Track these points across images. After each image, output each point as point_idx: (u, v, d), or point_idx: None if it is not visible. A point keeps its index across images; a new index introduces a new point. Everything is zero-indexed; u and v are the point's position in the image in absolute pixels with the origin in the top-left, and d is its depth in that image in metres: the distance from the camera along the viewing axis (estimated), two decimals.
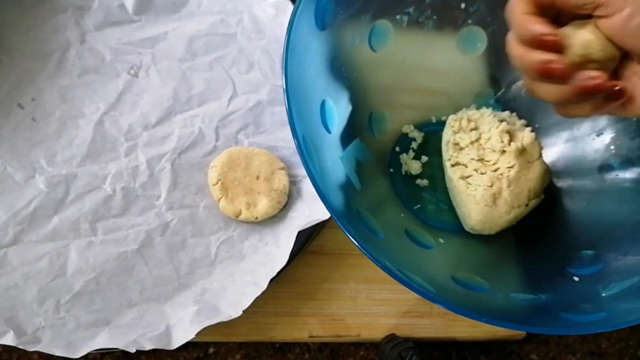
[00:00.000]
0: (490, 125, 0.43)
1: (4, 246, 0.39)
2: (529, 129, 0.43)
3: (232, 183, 0.43)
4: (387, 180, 0.45)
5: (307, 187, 0.45)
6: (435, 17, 0.43)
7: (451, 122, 0.44)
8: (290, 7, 0.48)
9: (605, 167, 0.42)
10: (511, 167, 0.41)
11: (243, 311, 0.39)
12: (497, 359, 0.47)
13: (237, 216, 0.43)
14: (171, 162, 0.43)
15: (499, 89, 0.47)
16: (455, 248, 0.43)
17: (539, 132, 0.44)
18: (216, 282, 0.42)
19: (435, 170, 0.46)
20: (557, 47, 0.27)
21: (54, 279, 0.39)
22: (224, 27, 0.48)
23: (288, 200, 0.44)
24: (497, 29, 0.44)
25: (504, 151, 0.42)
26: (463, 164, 0.42)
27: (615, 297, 0.33)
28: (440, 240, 0.42)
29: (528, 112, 0.45)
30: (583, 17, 0.28)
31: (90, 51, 0.45)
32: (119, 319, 0.39)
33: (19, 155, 0.42)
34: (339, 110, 0.39)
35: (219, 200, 0.43)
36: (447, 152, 0.43)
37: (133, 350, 0.38)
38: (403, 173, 0.46)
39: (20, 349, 0.37)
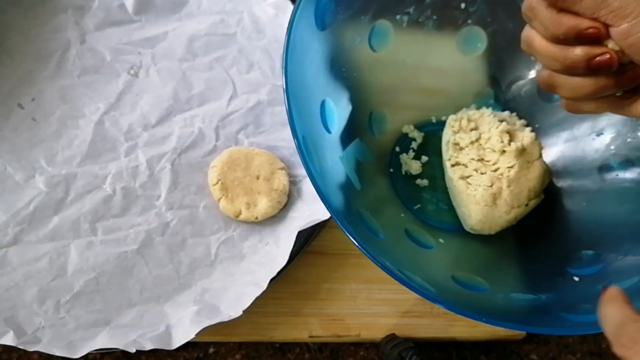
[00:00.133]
0: (490, 125, 0.43)
1: (4, 246, 0.39)
2: (529, 129, 0.43)
3: (232, 183, 0.43)
4: (387, 180, 0.45)
5: (307, 187, 0.45)
6: (435, 17, 0.43)
7: (451, 122, 0.44)
8: (290, 7, 0.48)
9: (605, 167, 0.42)
10: (511, 167, 0.41)
11: (243, 311, 0.39)
12: (497, 359, 0.47)
13: (237, 216, 0.43)
14: (171, 162, 0.43)
15: (499, 89, 0.47)
16: (455, 248, 0.43)
17: (539, 132, 0.44)
18: (216, 282, 0.42)
19: (435, 170, 0.46)
20: (601, 38, 0.25)
21: (54, 279, 0.39)
22: (224, 27, 0.48)
23: (288, 200, 0.44)
24: (497, 29, 0.44)
25: (504, 151, 0.42)
26: (463, 164, 0.42)
27: None
28: (440, 240, 0.42)
29: (528, 112, 0.45)
30: None
31: (90, 51, 0.45)
32: (119, 319, 0.39)
33: (19, 155, 0.42)
34: (339, 110, 0.39)
35: (219, 200, 0.43)
36: (447, 152, 0.43)
37: (133, 350, 0.38)
38: (403, 173, 0.46)
39: (20, 349, 0.37)
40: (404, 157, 0.46)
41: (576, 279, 0.37)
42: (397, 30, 0.42)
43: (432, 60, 0.45)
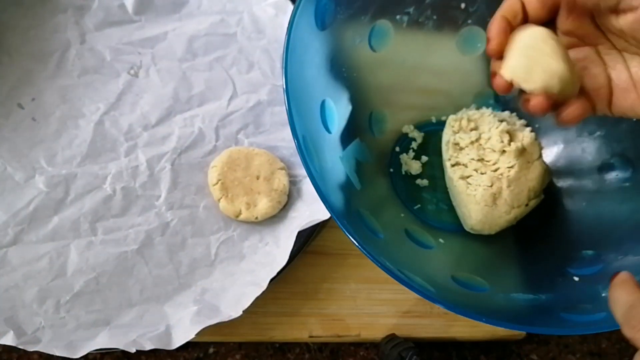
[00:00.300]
0: (490, 125, 0.43)
1: (4, 246, 0.39)
2: (529, 129, 0.43)
3: (232, 183, 0.43)
4: (387, 180, 0.45)
5: (307, 187, 0.45)
6: (435, 17, 0.43)
7: (451, 122, 0.44)
8: (290, 7, 0.48)
9: (605, 167, 0.42)
10: (511, 167, 0.41)
11: (243, 311, 0.39)
12: (497, 359, 0.47)
13: (237, 216, 0.43)
14: (171, 162, 0.43)
15: None
16: (455, 248, 0.43)
17: (539, 132, 0.44)
18: (216, 282, 0.42)
19: (435, 170, 0.46)
20: (496, 55, 0.29)
21: (54, 279, 0.39)
22: (224, 27, 0.48)
23: (288, 200, 0.44)
24: None
25: (504, 151, 0.42)
26: (463, 164, 0.42)
27: None
28: (440, 240, 0.42)
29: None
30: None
31: (90, 51, 0.45)
32: (119, 319, 0.39)
33: (19, 155, 0.42)
34: (339, 110, 0.39)
35: (219, 200, 0.43)
36: (447, 152, 0.43)
37: (133, 350, 0.38)
38: (403, 173, 0.46)
39: (20, 349, 0.37)
40: (404, 157, 0.46)
41: (576, 279, 0.37)
42: (397, 30, 0.43)
43: (432, 60, 0.45)
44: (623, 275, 0.26)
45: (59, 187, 0.41)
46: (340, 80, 0.40)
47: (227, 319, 0.39)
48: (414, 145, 0.46)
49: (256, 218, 0.43)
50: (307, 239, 0.42)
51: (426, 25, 0.43)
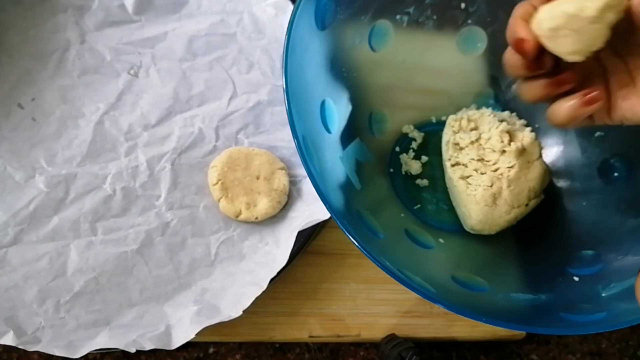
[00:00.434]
0: (490, 125, 0.43)
1: (4, 246, 0.39)
2: (529, 129, 0.43)
3: (232, 183, 0.43)
4: (387, 180, 0.45)
5: (307, 187, 0.45)
6: (435, 17, 0.43)
7: (451, 122, 0.44)
8: (290, 7, 0.48)
9: (605, 167, 0.42)
10: (511, 167, 0.41)
11: (243, 311, 0.39)
12: (497, 359, 0.47)
13: (237, 216, 0.43)
14: (171, 162, 0.43)
15: (499, 89, 0.47)
16: (455, 248, 0.43)
17: (539, 132, 0.44)
18: (216, 282, 0.42)
19: (435, 170, 0.46)
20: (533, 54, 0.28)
21: (54, 279, 0.39)
22: (224, 27, 0.48)
23: (288, 200, 0.44)
24: (497, 29, 0.44)
25: (504, 151, 0.42)
26: (463, 164, 0.42)
27: (615, 297, 0.33)
28: (440, 240, 0.42)
29: (528, 112, 0.45)
30: None
31: (90, 51, 0.45)
32: (119, 319, 0.39)
33: (19, 155, 0.42)
34: (339, 110, 0.39)
35: (219, 200, 0.43)
36: (447, 152, 0.43)
37: (133, 350, 0.38)
38: (403, 173, 0.46)
39: (20, 349, 0.37)
40: (404, 157, 0.46)
41: (576, 279, 0.37)
42: (397, 30, 0.42)
43: (432, 60, 0.45)
44: None
45: (59, 187, 0.41)
46: (340, 80, 0.40)
47: (227, 319, 0.39)
48: (414, 145, 0.46)
49: (256, 218, 0.43)
50: (307, 239, 0.42)
51: (426, 25, 0.43)
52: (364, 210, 0.37)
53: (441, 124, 0.46)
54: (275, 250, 0.43)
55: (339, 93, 0.40)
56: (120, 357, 0.43)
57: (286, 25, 0.33)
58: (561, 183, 0.44)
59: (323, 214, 0.41)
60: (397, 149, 0.46)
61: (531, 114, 0.45)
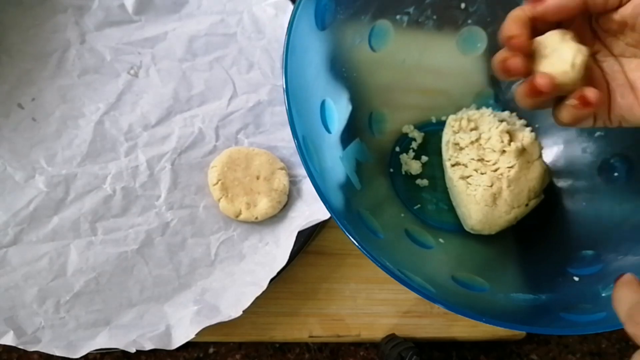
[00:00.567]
0: (490, 125, 0.43)
1: (4, 246, 0.39)
2: (529, 129, 0.43)
3: (232, 183, 0.43)
4: (387, 180, 0.45)
5: (307, 187, 0.45)
6: (435, 17, 0.43)
7: (451, 122, 0.44)
8: (290, 7, 0.48)
9: (605, 167, 0.42)
10: (511, 167, 0.41)
11: (243, 311, 0.39)
12: (497, 359, 0.47)
13: (237, 216, 0.43)
14: (171, 162, 0.43)
15: (499, 89, 0.47)
16: (455, 248, 0.43)
17: (539, 132, 0.44)
18: (216, 282, 0.42)
19: (435, 170, 0.46)
20: (523, 50, 0.29)
21: (54, 279, 0.39)
22: (224, 27, 0.48)
23: (288, 200, 0.44)
24: (497, 29, 0.43)
25: (504, 151, 0.42)
26: (463, 164, 0.42)
27: None
28: (440, 240, 0.42)
29: (528, 112, 0.45)
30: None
31: (90, 51, 0.45)
32: (119, 319, 0.39)
33: (19, 155, 0.42)
34: (339, 110, 0.39)
35: (219, 200, 0.43)
36: (447, 152, 0.43)
37: (133, 350, 0.38)
38: (403, 173, 0.46)
39: (20, 349, 0.37)
40: (404, 157, 0.46)
41: (576, 279, 0.37)
42: (397, 30, 0.42)
43: (432, 60, 0.45)
44: (627, 276, 0.27)
45: (59, 187, 0.41)
46: (340, 80, 0.40)
47: (227, 319, 0.39)
48: (414, 145, 0.46)
49: (256, 218, 0.43)
50: (307, 239, 0.42)
51: (426, 25, 0.43)
52: (364, 210, 0.37)
53: (441, 124, 0.46)
54: (275, 250, 0.43)
55: (339, 93, 0.40)
56: (120, 357, 0.43)
57: (286, 25, 0.33)
58: (561, 183, 0.44)
59: (323, 214, 0.41)
60: (397, 149, 0.46)
61: (531, 114, 0.45)
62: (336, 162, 0.38)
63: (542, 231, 0.43)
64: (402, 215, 0.44)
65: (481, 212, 0.41)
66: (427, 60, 0.45)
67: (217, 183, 0.43)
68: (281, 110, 0.47)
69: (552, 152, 0.45)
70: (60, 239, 0.40)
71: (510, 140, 0.42)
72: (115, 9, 0.46)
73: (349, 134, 0.40)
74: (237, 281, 0.41)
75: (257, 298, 0.39)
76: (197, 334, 0.38)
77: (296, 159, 0.45)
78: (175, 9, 0.48)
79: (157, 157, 0.43)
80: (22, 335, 0.37)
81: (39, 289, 0.39)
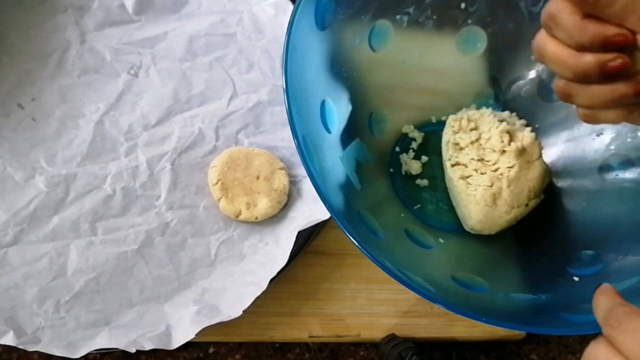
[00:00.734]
0: (490, 125, 0.43)
1: (4, 246, 0.39)
2: (529, 129, 0.43)
3: (232, 183, 0.43)
4: (387, 180, 0.45)
5: (307, 187, 0.45)
6: (435, 17, 0.43)
7: (451, 122, 0.44)
8: (290, 7, 0.48)
9: (605, 167, 0.42)
10: (511, 167, 0.41)
11: (243, 311, 0.39)
12: (497, 359, 0.47)
13: (237, 216, 0.43)
14: (171, 162, 0.43)
15: (499, 89, 0.47)
16: (455, 248, 0.43)
17: (539, 132, 0.44)
18: (216, 282, 0.42)
19: (435, 170, 0.46)
20: (628, 45, 0.24)
21: (54, 279, 0.39)
22: (224, 27, 0.48)
23: (288, 200, 0.44)
24: (497, 29, 0.44)
25: (504, 151, 0.42)
26: (463, 164, 0.42)
27: None
28: (440, 240, 0.42)
29: (528, 112, 0.45)
30: None
31: (90, 51, 0.45)
32: (119, 319, 0.39)
33: (19, 155, 0.42)
34: (339, 110, 0.39)
35: (219, 200, 0.43)
36: (447, 152, 0.43)
37: (133, 350, 0.38)
38: (403, 173, 0.46)
39: (20, 349, 0.37)
40: (404, 157, 0.46)
41: (576, 279, 0.37)
42: (397, 30, 0.42)
43: (432, 60, 0.45)
44: (605, 286, 0.29)
45: (59, 187, 0.41)
46: (340, 80, 0.40)
47: (227, 319, 0.39)
48: (414, 145, 0.46)
49: (256, 218, 0.43)
50: (307, 239, 0.42)
51: (426, 25, 0.43)
52: (364, 210, 0.37)
53: (441, 124, 0.46)
54: (275, 250, 0.43)
55: (339, 93, 0.40)
56: (120, 357, 0.43)
57: (286, 25, 0.33)
58: (561, 183, 0.44)
59: (323, 214, 0.41)
60: (397, 149, 0.46)
61: (531, 114, 0.45)
62: (336, 162, 0.38)
63: (542, 231, 0.43)
64: (402, 215, 0.44)
65: (481, 212, 0.41)
66: (427, 60, 0.45)
67: (217, 183, 0.43)
68: (281, 110, 0.47)
69: (552, 152, 0.45)
70: (60, 239, 0.40)
71: (510, 140, 0.42)
72: (115, 9, 0.46)
73: (349, 134, 0.40)
74: (237, 281, 0.41)
75: (257, 298, 0.39)
76: (197, 334, 0.38)
77: (296, 159, 0.45)
78: (175, 9, 0.48)
79: (157, 157, 0.43)
80: (22, 335, 0.37)
81: (39, 289, 0.39)
